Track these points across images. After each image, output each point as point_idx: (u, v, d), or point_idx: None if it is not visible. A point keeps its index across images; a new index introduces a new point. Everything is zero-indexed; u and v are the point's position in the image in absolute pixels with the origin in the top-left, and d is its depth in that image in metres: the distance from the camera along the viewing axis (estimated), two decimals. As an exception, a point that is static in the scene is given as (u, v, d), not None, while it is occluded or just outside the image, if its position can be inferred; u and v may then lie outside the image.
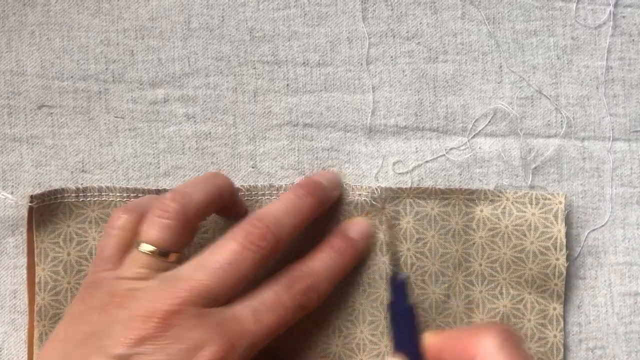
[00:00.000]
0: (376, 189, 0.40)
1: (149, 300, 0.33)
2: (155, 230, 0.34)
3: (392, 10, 0.41)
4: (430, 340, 0.36)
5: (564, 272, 0.40)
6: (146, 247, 0.34)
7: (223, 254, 0.34)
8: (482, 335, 0.33)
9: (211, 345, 0.32)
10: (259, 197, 0.40)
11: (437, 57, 0.41)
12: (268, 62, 0.41)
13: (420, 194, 0.40)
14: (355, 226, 0.40)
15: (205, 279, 0.33)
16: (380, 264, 0.40)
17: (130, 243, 0.36)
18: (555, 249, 0.40)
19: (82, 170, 0.41)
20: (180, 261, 0.35)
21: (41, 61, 0.41)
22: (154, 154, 0.41)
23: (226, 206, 0.38)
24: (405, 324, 0.37)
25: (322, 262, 0.37)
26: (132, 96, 0.41)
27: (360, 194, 0.40)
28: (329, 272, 0.37)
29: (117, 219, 0.36)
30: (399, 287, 0.38)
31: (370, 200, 0.40)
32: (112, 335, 0.32)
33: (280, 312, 0.35)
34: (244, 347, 0.33)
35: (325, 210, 0.40)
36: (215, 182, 0.37)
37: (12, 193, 0.41)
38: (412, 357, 0.36)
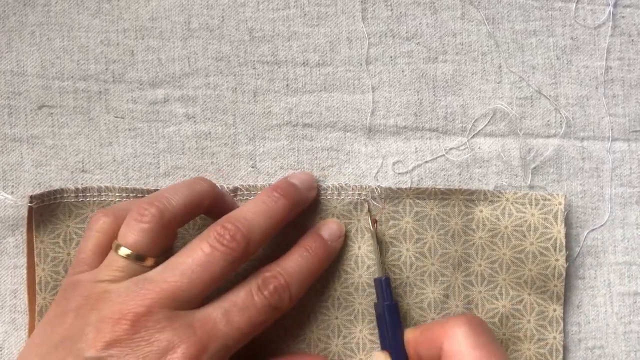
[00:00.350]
0: (376, 189, 0.40)
1: (120, 302, 0.32)
2: (132, 234, 0.34)
3: (391, 10, 0.41)
4: (408, 335, 0.37)
5: (564, 273, 0.40)
6: (123, 251, 0.34)
7: (193, 256, 0.34)
8: (450, 325, 0.34)
9: (181, 347, 0.32)
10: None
11: (436, 57, 0.41)
12: (268, 62, 0.41)
13: (420, 194, 0.40)
14: (327, 226, 0.40)
15: (175, 280, 0.33)
16: (380, 264, 0.40)
17: (107, 246, 0.36)
18: (555, 250, 0.40)
19: (82, 170, 0.41)
20: (156, 266, 0.35)
21: (41, 61, 0.41)
22: (154, 154, 0.41)
23: (214, 209, 0.38)
24: (389, 322, 0.38)
25: (293, 262, 0.37)
26: (132, 96, 0.41)
27: (359, 194, 0.40)
28: (300, 271, 0.37)
29: (96, 221, 0.36)
30: (381, 286, 0.38)
31: (369, 200, 0.40)
32: (85, 337, 0.32)
33: (251, 312, 0.34)
34: (215, 349, 0.33)
35: (301, 212, 0.39)
36: (195, 187, 0.37)
37: (12, 193, 0.41)
38: (396, 353, 0.37)
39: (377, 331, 0.40)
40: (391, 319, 0.38)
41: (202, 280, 0.34)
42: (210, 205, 0.37)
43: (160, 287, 0.33)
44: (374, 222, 0.40)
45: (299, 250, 0.38)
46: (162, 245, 0.35)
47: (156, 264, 0.35)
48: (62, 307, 0.34)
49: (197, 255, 0.34)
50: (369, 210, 0.40)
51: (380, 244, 0.40)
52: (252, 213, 0.36)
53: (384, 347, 0.38)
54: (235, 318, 0.34)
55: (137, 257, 0.34)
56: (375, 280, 0.39)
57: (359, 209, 0.40)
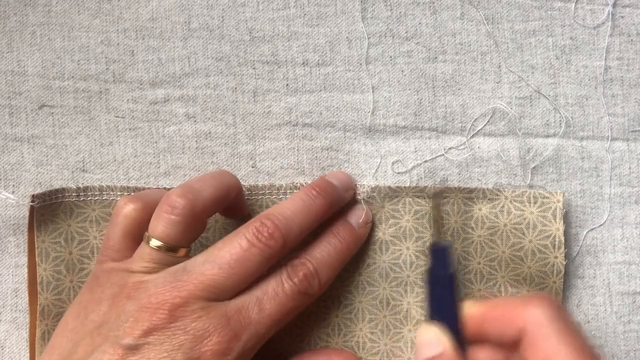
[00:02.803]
0: (375, 188, 0.40)
1: (157, 292, 0.33)
2: (163, 227, 0.35)
3: (391, 10, 0.41)
4: (471, 309, 0.34)
5: (563, 270, 0.40)
6: (154, 243, 0.35)
7: (231, 250, 0.34)
8: (532, 305, 0.32)
9: (215, 336, 0.33)
10: (259, 197, 0.41)
11: (436, 57, 0.41)
12: (268, 62, 0.41)
13: (420, 192, 0.40)
14: (355, 213, 0.40)
15: (212, 274, 0.34)
16: (380, 262, 0.40)
17: (135, 232, 0.36)
18: (554, 247, 0.40)
19: (83, 170, 0.41)
20: (187, 255, 0.36)
21: (42, 61, 0.41)
22: (154, 154, 0.41)
23: (231, 206, 0.38)
24: (445, 292, 0.35)
25: (322, 248, 0.38)
26: (132, 96, 0.41)
27: (359, 193, 0.40)
28: (329, 258, 0.38)
29: (123, 207, 0.37)
30: (441, 254, 0.35)
31: (369, 200, 0.40)
32: (122, 325, 0.33)
33: (282, 300, 0.35)
34: (247, 337, 0.34)
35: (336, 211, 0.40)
36: (224, 179, 0.37)
37: (13, 192, 0.41)
38: (451, 326, 0.34)
39: (377, 330, 0.40)
40: (451, 289, 0.34)
41: (238, 274, 0.34)
42: (236, 198, 0.38)
43: (198, 280, 0.34)
44: (441, 190, 0.39)
45: (327, 237, 0.38)
46: (193, 235, 0.36)
47: (187, 253, 0.35)
48: (96, 294, 0.35)
49: (235, 250, 0.34)
50: (434, 190, 0.40)
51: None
52: (291, 211, 0.36)
53: (435, 317, 0.34)
54: (266, 306, 0.35)
55: (169, 249, 0.35)
56: (435, 247, 0.36)
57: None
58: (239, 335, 0.34)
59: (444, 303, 0.35)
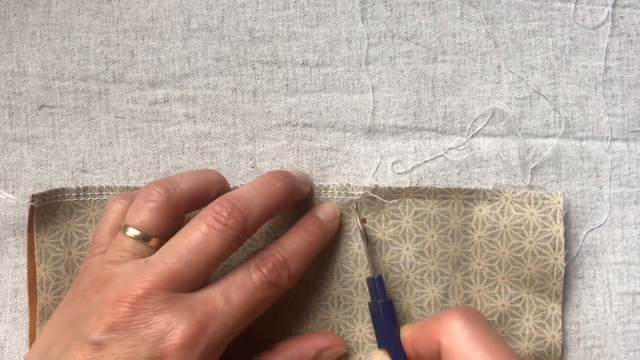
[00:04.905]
0: (375, 188, 0.40)
1: (121, 284, 0.33)
2: (138, 214, 0.35)
3: (391, 10, 0.41)
4: (405, 332, 0.36)
5: (563, 272, 0.40)
6: (130, 232, 0.34)
7: (190, 236, 0.34)
8: (445, 319, 0.34)
9: (179, 329, 0.32)
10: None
11: (435, 58, 0.41)
12: (267, 63, 0.41)
13: (420, 193, 0.40)
14: (322, 208, 0.40)
15: (173, 262, 0.33)
16: (380, 263, 0.40)
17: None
18: (554, 249, 0.40)
19: (83, 170, 0.41)
20: (159, 248, 0.35)
21: (42, 62, 0.41)
22: (154, 154, 0.41)
23: None
24: (385, 320, 0.37)
25: (291, 240, 0.37)
26: (132, 96, 0.41)
27: (359, 193, 0.40)
28: (298, 249, 0.37)
29: (113, 203, 0.37)
30: (375, 284, 0.38)
31: (369, 200, 0.40)
32: (89, 320, 0.32)
33: (250, 290, 0.34)
34: (215, 329, 0.33)
35: (296, 204, 0.40)
36: (205, 175, 0.37)
37: (12, 193, 0.41)
38: (394, 351, 0.37)
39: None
40: (387, 316, 0.37)
41: (200, 260, 0.33)
42: (218, 196, 0.37)
43: (159, 269, 0.33)
44: (363, 221, 0.40)
45: (296, 230, 0.38)
46: (168, 226, 0.35)
47: (160, 245, 0.35)
48: (74, 290, 0.35)
49: (194, 235, 0.34)
50: (357, 210, 0.40)
51: (373, 243, 0.40)
52: (250, 192, 0.36)
53: (381, 346, 0.38)
54: (234, 297, 0.34)
55: (144, 238, 0.34)
56: (368, 279, 0.38)
57: (359, 209, 0.40)
58: (205, 327, 0.32)
59: (385, 330, 0.37)
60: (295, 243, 0.37)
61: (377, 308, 0.38)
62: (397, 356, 0.37)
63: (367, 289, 0.40)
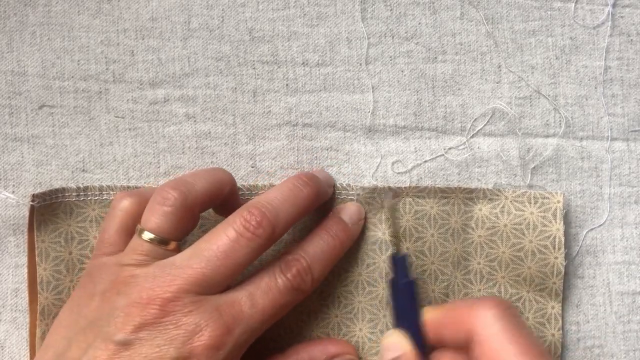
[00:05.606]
0: (375, 188, 0.40)
1: (147, 287, 0.33)
2: (155, 218, 0.35)
3: (391, 10, 0.41)
4: (429, 315, 0.35)
5: (563, 271, 0.40)
6: (147, 235, 0.35)
7: (219, 242, 0.34)
8: (479, 307, 0.33)
9: (207, 330, 0.33)
10: (259, 197, 0.41)
11: (436, 57, 0.41)
12: (267, 62, 0.41)
13: (420, 192, 0.40)
14: (347, 210, 0.40)
15: (200, 267, 0.34)
16: (381, 262, 0.40)
17: (130, 225, 0.36)
18: (554, 248, 0.40)
19: (83, 170, 0.41)
20: (178, 249, 0.35)
21: (42, 61, 0.41)
22: (154, 154, 0.41)
23: (226, 203, 0.38)
24: (406, 299, 0.36)
25: (315, 245, 0.37)
26: (132, 96, 0.41)
27: (359, 193, 0.40)
28: (322, 254, 0.37)
29: (119, 201, 0.37)
30: (399, 262, 0.37)
31: (369, 199, 0.40)
32: (113, 321, 0.33)
33: (274, 295, 0.35)
34: (240, 331, 0.34)
35: (319, 207, 0.40)
36: (217, 174, 0.37)
37: (13, 192, 0.41)
38: (413, 332, 0.35)
39: (377, 330, 0.40)
40: (410, 297, 0.36)
41: (227, 266, 0.34)
42: (229, 195, 0.38)
43: (186, 273, 0.33)
44: (396, 195, 0.39)
45: (320, 233, 0.38)
46: (185, 229, 0.36)
47: (178, 247, 0.35)
48: (88, 290, 0.35)
49: (223, 242, 0.34)
50: (390, 188, 0.40)
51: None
52: (278, 199, 0.36)
53: (399, 324, 0.36)
54: (259, 300, 0.34)
55: (161, 241, 0.35)
56: (394, 256, 0.37)
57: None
58: (231, 329, 0.33)
59: (406, 310, 0.36)
60: (319, 248, 0.37)
61: (401, 287, 0.36)
62: (417, 338, 0.35)
63: (367, 289, 0.40)
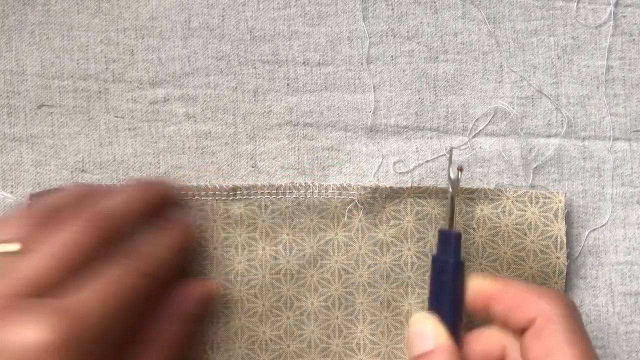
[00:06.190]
0: (376, 188, 0.40)
1: None
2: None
3: (392, 9, 0.41)
4: (477, 283, 0.33)
5: (564, 271, 0.40)
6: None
7: (53, 241, 0.32)
8: (548, 299, 0.32)
9: (45, 336, 0.29)
10: (259, 197, 0.40)
11: (437, 57, 0.41)
12: (268, 62, 0.41)
13: (421, 193, 0.40)
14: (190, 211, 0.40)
15: (34, 267, 0.31)
16: (381, 263, 0.40)
17: None
18: (556, 248, 0.40)
19: (82, 170, 0.41)
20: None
21: (41, 60, 0.41)
22: (154, 154, 0.41)
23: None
24: (449, 281, 0.33)
25: (158, 235, 0.36)
26: (132, 96, 0.41)
27: (360, 193, 0.40)
28: (166, 239, 0.37)
29: None
30: (451, 240, 0.34)
31: (370, 200, 0.40)
32: None
33: (120, 284, 0.33)
34: (85, 333, 0.31)
35: (165, 209, 0.39)
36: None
37: (11, 192, 0.41)
38: (450, 313, 0.33)
39: (377, 332, 0.40)
40: (456, 278, 0.33)
41: (63, 265, 0.32)
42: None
43: (21, 276, 0.31)
44: (460, 169, 0.37)
45: (163, 226, 0.37)
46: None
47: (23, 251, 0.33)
48: None
49: (57, 240, 0.32)
50: (450, 157, 0.38)
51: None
52: (117, 200, 0.35)
53: (434, 305, 0.33)
54: (105, 294, 0.32)
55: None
56: (445, 232, 0.35)
57: (360, 209, 0.40)
58: (74, 331, 0.30)
59: (446, 292, 0.33)
60: (161, 235, 0.36)
61: (448, 266, 0.33)
62: (454, 326, 0.32)
63: (368, 290, 0.40)
